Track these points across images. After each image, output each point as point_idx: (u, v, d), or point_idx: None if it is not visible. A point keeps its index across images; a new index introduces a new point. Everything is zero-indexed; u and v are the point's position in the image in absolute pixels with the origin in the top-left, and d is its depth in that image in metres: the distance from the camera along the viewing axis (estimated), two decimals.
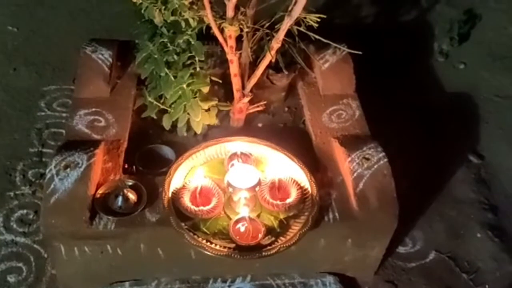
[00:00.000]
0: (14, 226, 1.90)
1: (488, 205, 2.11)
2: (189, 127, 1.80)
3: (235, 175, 1.52)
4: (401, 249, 1.94)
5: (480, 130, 2.41)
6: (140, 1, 1.46)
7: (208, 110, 1.76)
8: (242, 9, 1.59)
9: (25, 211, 1.95)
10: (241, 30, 1.60)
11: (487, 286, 1.85)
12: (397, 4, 3.02)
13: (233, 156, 1.66)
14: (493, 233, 2.00)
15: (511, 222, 2.07)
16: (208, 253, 1.45)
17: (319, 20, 1.58)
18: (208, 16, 1.53)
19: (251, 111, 1.83)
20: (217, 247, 1.46)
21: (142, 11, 1.51)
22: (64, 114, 2.28)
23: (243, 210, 1.52)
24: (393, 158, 1.65)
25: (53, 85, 2.44)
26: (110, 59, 1.91)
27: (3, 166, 2.09)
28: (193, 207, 1.53)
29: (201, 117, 1.71)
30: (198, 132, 1.77)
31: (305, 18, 1.58)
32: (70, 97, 2.30)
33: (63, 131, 1.86)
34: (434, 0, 3.09)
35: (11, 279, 1.76)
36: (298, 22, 1.58)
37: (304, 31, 1.63)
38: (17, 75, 2.50)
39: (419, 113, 2.41)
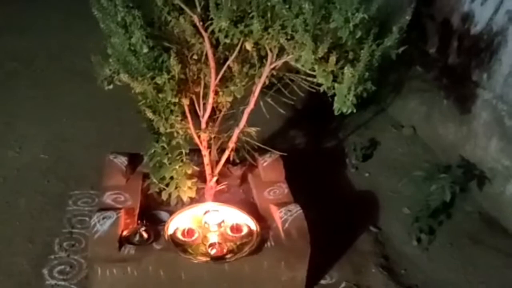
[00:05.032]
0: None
1: (381, 254, 3.10)
2: (177, 201, 2.80)
3: (209, 217, 2.53)
4: (322, 282, 2.87)
5: (379, 214, 3.47)
6: (152, 118, 2.55)
7: (190, 187, 2.78)
8: (210, 124, 2.72)
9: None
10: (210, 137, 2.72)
11: None
12: (321, 135, 4.27)
13: (207, 212, 2.65)
14: (383, 270, 2.97)
15: (396, 264, 3.05)
16: (194, 261, 2.38)
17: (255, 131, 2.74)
18: (191, 129, 2.65)
19: (217, 189, 2.86)
20: (198, 258, 2.40)
21: (154, 123, 2.59)
22: (86, 208, 3.26)
23: (213, 238, 2.49)
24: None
25: (77, 190, 3.44)
26: (126, 162, 2.97)
27: (44, 241, 3.00)
28: (183, 239, 2.48)
29: (186, 189, 2.73)
30: (184, 200, 2.76)
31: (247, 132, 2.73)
32: (90, 197, 3.34)
33: (87, 219, 2.85)
34: (348, 133, 4.35)
35: None
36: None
37: (249, 140, 2.78)
38: (50, 185, 3.51)
39: (335, 203, 3.46)
